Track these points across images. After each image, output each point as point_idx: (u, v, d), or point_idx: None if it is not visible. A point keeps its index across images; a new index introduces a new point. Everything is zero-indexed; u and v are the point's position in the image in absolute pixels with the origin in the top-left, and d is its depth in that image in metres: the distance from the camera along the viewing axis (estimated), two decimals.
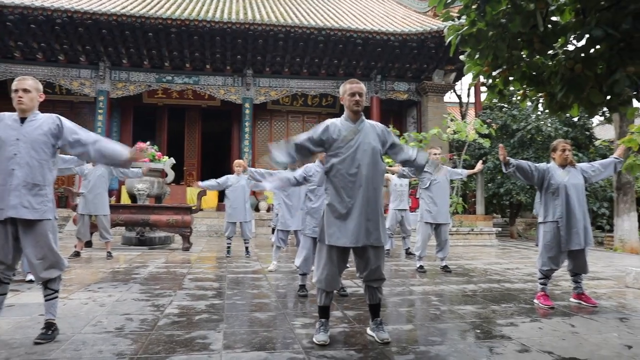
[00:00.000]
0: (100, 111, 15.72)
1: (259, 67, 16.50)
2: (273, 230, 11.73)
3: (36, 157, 2.92)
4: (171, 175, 9.71)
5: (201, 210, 9.29)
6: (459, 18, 3.27)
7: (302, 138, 3.12)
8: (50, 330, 2.93)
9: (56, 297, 3.05)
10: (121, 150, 3.12)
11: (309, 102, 18.80)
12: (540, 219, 4.39)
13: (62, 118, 3.09)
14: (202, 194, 8.67)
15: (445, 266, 6.44)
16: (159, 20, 14.24)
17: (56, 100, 16.80)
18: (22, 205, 2.84)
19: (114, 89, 15.98)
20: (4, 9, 13.49)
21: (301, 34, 15.08)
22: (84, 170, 7.24)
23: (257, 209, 15.41)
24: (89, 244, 8.32)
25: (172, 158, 9.96)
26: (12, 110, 3.03)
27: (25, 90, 2.98)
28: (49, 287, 3.00)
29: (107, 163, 3.51)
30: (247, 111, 16.54)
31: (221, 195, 16.39)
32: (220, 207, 15.71)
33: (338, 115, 3.32)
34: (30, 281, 4.88)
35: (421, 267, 6.38)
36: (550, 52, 3.06)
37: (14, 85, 3.00)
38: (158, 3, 16.21)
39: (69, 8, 13.95)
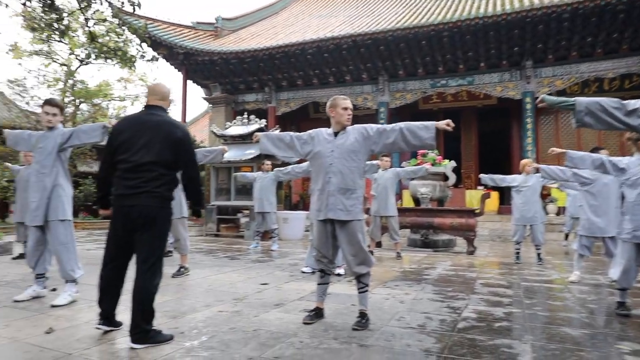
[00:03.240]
0: (381, 122, 17.08)
1: (539, 55, 15.00)
2: (566, 236, 10.45)
3: (347, 165, 3.30)
4: (452, 178, 9.71)
5: (482, 213, 8.97)
6: None
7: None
8: (364, 320, 3.27)
9: (367, 291, 3.38)
10: None
11: (604, 86, 16.03)
12: None
13: (367, 125, 3.44)
14: (485, 196, 8.38)
15: None
16: (432, 27, 14.56)
17: None
18: (338, 208, 3.26)
19: (393, 99, 17.13)
20: (305, 45, 16.17)
21: (593, 7, 13.00)
22: (374, 175, 7.92)
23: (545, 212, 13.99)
24: (379, 244, 9.05)
25: (452, 161, 9.95)
26: (313, 127, 3.59)
27: (349, 109, 3.40)
28: (361, 281, 3.35)
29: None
30: (528, 106, 15.19)
31: (502, 198, 15.60)
32: (501, 211, 14.96)
33: None
34: (338, 274, 5.59)
35: None
36: None
37: (344, 104, 3.42)
38: (429, 11, 16.64)
39: (352, 33, 15.70)
